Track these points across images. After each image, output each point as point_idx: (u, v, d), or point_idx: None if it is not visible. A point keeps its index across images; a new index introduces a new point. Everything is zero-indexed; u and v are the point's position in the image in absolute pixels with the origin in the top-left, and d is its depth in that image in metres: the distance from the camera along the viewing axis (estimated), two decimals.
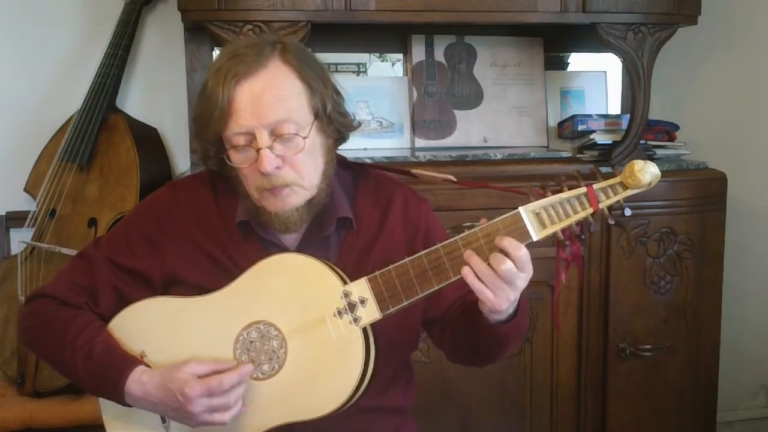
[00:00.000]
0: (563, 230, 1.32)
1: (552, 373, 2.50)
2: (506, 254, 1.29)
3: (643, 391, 2.55)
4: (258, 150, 1.37)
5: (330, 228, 1.48)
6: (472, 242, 1.32)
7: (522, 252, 1.29)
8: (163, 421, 1.45)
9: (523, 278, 1.32)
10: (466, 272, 1.31)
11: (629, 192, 1.32)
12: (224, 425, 1.38)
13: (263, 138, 1.37)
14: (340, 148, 1.55)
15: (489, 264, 1.30)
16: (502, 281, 1.30)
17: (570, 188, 1.32)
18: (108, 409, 1.50)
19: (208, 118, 1.39)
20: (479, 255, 1.31)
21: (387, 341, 1.43)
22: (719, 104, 3.06)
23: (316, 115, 1.42)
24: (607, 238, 2.47)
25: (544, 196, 1.32)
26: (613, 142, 2.61)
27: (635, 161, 1.29)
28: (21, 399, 2.36)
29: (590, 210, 1.31)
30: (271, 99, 1.37)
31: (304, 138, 1.39)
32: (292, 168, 1.40)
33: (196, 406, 1.35)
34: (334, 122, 1.46)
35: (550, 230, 1.32)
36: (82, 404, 2.28)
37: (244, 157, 1.40)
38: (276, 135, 1.38)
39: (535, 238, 1.32)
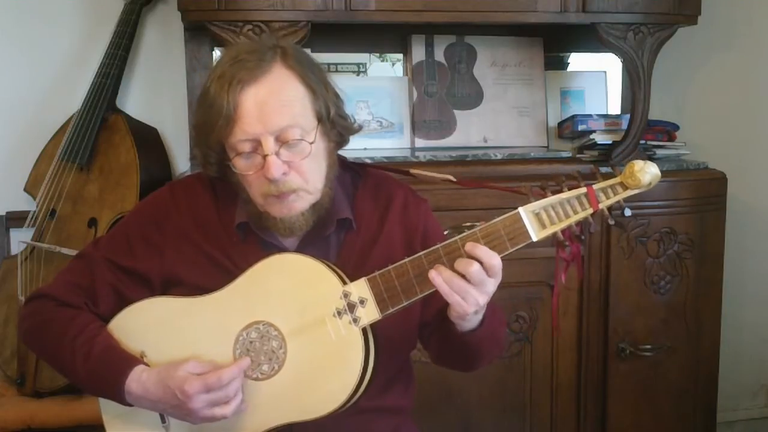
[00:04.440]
0: (563, 231, 1.32)
1: (552, 373, 2.50)
2: (480, 262, 1.30)
3: (643, 391, 2.55)
4: (264, 156, 1.36)
5: (330, 229, 1.48)
6: None
7: (495, 261, 1.31)
8: (163, 420, 1.46)
9: (492, 283, 1.32)
10: (433, 275, 1.31)
11: (629, 192, 1.32)
12: (226, 418, 1.38)
13: (269, 144, 1.36)
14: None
15: (456, 270, 1.31)
16: (469, 285, 1.31)
17: (570, 188, 1.32)
18: (108, 409, 1.51)
19: (213, 125, 1.37)
20: None
21: (387, 341, 1.43)
22: (719, 104, 3.05)
23: (320, 120, 1.42)
24: (607, 238, 2.46)
25: (544, 196, 1.32)
26: (613, 142, 2.61)
27: (635, 161, 1.29)
28: (21, 399, 2.36)
29: (590, 210, 1.32)
30: (275, 105, 1.36)
31: (311, 143, 1.39)
32: (298, 173, 1.39)
33: (195, 402, 1.35)
34: (337, 126, 1.46)
35: (549, 231, 1.32)
36: (82, 404, 2.28)
37: (250, 163, 1.39)
38: (282, 141, 1.37)
39: (534, 239, 1.32)
